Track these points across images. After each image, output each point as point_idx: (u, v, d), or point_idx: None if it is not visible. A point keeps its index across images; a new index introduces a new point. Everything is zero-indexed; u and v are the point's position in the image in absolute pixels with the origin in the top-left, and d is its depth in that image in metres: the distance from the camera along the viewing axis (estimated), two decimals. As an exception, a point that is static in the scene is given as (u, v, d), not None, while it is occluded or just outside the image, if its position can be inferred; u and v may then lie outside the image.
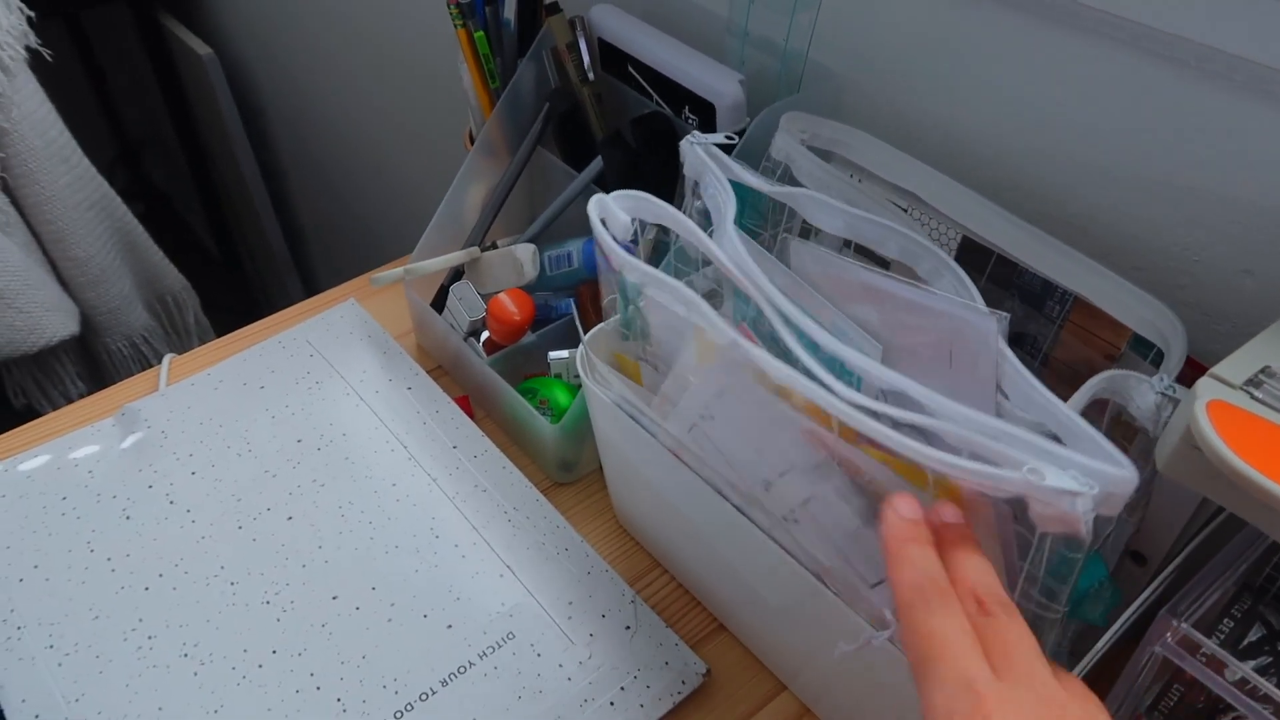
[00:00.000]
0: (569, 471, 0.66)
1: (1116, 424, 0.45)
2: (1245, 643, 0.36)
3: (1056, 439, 0.36)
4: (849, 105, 0.63)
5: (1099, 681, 0.40)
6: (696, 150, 0.50)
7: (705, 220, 0.50)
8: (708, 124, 0.65)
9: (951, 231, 0.52)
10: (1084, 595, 0.43)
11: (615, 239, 0.47)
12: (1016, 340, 0.51)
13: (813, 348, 0.41)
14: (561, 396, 0.65)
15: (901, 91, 0.60)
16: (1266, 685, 0.32)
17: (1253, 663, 0.35)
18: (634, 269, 0.46)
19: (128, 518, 0.61)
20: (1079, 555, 0.35)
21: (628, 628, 0.56)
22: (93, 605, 0.57)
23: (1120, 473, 0.32)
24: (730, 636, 0.58)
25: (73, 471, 0.64)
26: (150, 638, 0.55)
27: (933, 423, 0.36)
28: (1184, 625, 0.33)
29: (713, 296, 0.53)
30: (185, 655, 0.55)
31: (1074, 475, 0.32)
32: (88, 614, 0.56)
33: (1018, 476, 0.33)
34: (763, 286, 0.43)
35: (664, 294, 0.45)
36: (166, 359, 0.74)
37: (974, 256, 0.51)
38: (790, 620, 0.50)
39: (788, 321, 0.42)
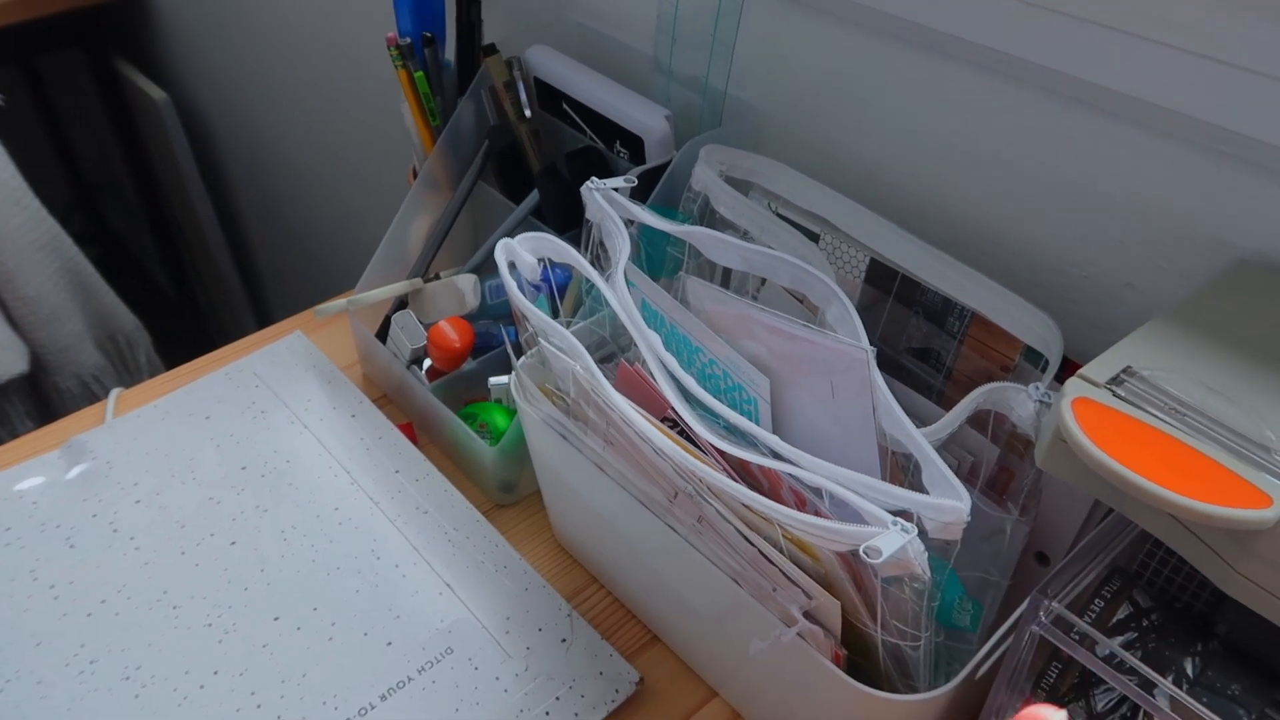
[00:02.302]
0: (509, 493, 0.68)
1: (1016, 435, 0.49)
2: (1114, 620, 0.39)
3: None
4: (769, 138, 0.67)
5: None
6: (596, 196, 0.52)
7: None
8: (638, 156, 0.68)
9: (860, 254, 0.55)
10: (949, 608, 0.46)
11: (524, 279, 0.50)
12: (922, 355, 0.54)
13: (690, 398, 0.44)
14: (500, 420, 0.67)
15: (815, 125, 0.64)
16: (1131, 659, 0.34)
17: (1120, 639, 0.38)
18: (533, 315, 0.49)
19: (71, 546, 0.62)
20: (924, 586, 0.38)
21: (563, 640, 0.58)
22: (35, 632, 0.58)
23: (953, 504, 0.35)
24: (664, 647, 0.59)
25: (17, 503, 0.65)
26: (92, 662, 0.56)
27: (788, 468, 0.40)
28: (1055, 604, 0.36)
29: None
30: (127, 679, 0.55)
31: (900, 526, 0.35)
32: (30, 641, 0.57)
33: (850, 534, 0.36)
34: (645, 335, 0.46)
35: (553, 341, 0.48)
36: (114, 393, 0.75)
37: (881, 277, 0.54)
38: (717, 627, 0.52)
39: (664, 367, 0.45)
